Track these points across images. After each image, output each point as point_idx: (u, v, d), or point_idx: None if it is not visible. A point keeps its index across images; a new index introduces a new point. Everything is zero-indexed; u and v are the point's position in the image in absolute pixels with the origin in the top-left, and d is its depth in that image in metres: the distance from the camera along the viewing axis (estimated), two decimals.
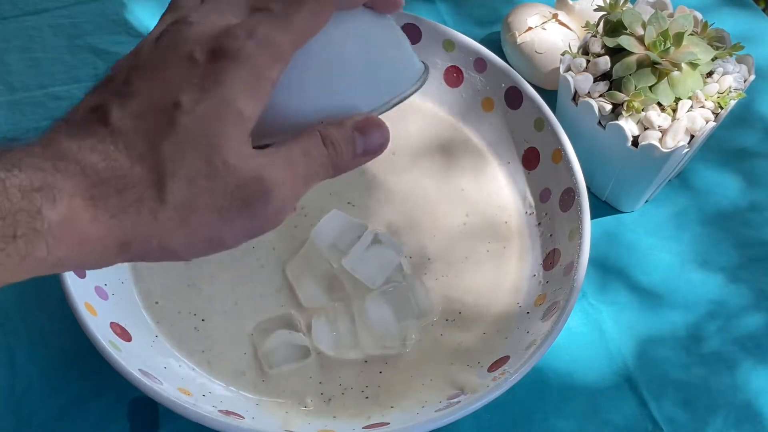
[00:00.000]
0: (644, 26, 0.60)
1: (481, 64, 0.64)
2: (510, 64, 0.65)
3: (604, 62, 0.60)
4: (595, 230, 0.60)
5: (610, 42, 0.60)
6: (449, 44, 0.65)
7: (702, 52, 0.59)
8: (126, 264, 0.57)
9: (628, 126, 0.58)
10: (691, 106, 0.59)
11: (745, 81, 0.61)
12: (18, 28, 0.72)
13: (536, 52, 0.69)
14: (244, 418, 0.51)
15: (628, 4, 0.62)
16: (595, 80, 0.60)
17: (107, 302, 0.54)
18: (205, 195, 0.34)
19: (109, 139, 0.33)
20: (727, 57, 0.62)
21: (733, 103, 0.59)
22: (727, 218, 0.66)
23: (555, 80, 0.63)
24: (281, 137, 0.36)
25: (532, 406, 0.57)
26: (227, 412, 0.51)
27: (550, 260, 0.58)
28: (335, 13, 0.37)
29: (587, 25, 0.63)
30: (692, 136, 0.59)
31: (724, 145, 0.70)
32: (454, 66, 0.65)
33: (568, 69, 0.61)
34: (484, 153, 0.65)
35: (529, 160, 0.63)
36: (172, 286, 0.57)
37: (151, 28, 0.38)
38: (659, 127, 0.58)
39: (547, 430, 0.56)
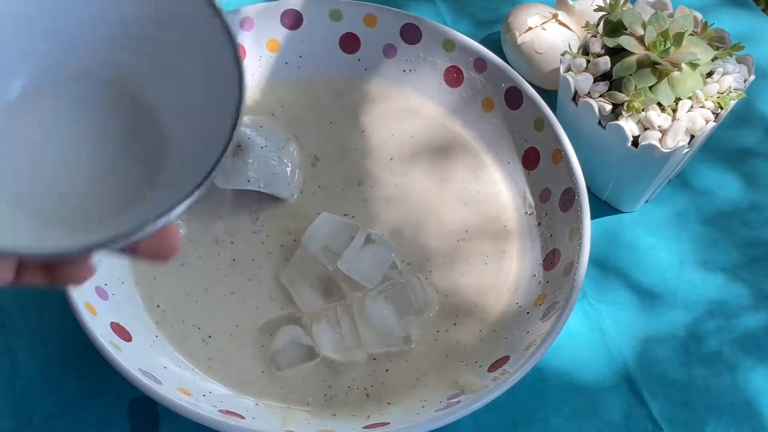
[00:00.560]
0: (644, 26, 0.60)
1: (481, 64, 0.64)
2: (510, 64, 0.65)
3: (604, 62, 0.60)
4: (595, 230, 0.60)
5: (610, 42, 0.60)
6: (449, 44, 0.65)
7: (702, 52, 0.59)
8: (126, 264, 0.57)
9: (628, 126, 0.58)
10: (691, 106, 0.59)
11: (745, 81, 0.61)
12: None
13: (536, 52, 0.69)
14: (244, 418, 0.51)
15: (628, 4, 0.62)
16: (595, 80, 0.60)
17: (107, 302, 0.54)
18: None
19: None
20: (727, 57, 0.61)
21: (733, 103, 0.59)
22: (727, 218, 0.66)
23: (555, 80, 0.63)
24: None
25: (532, 406, 0.57)
26: (227, 412, 0.51)
27: (550, 260, 0.58)
28: None
29: (587, 25, 0.63)
30: (692, 136, 0.59)
31: (724, 145, 0.70)
32: (454, 66, 0.65)
33: (568, 69, 0.61)
34: (484, 153, 0.65)
35: (529, 160, 0.63)
36: (173, 288, 0.58)
37: None
38: (659, 127, 0.58)
39: (547, 430, 0.56)
